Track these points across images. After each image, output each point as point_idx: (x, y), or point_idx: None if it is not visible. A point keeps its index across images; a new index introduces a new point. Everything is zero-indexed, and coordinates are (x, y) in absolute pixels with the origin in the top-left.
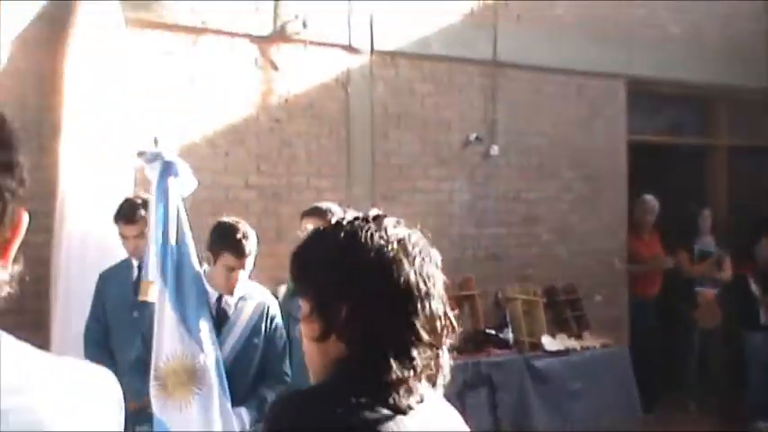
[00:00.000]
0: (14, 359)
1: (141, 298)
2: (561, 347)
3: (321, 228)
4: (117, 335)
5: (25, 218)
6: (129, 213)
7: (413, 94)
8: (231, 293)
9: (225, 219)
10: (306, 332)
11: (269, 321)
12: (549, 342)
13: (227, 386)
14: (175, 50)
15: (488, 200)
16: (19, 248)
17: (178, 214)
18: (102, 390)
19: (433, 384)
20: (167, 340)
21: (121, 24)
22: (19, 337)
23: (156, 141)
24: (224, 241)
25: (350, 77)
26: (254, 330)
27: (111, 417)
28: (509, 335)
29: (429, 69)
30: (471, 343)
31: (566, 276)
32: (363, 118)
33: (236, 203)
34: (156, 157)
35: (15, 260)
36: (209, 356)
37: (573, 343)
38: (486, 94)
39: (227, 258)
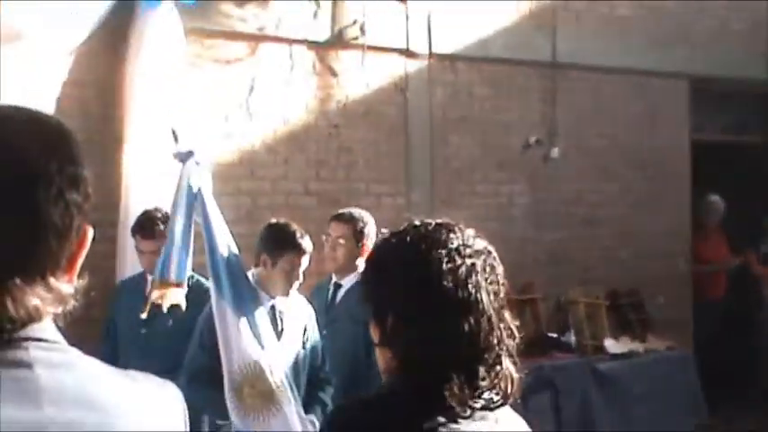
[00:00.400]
0: (84, 374)
1: (156, 300)
2: (624, 350)
3: (388, 233)
4: (125, 350)
5: (90, 232)
6: (146, 227)
7: (472, 98)
8: (288, 294)
9: (275, 221)
10: (372, 335)
11: (313, 328)
12: (612, 345)
13: (296, 394)
14: (234, 58)
15: (549, 203)
16: (84, 259)
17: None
18: (168, 403)
19: (498, 392)
20: (236, 350)
21: (180, 34)
22: (86, 349)
23: (174, 134)
24: (284, 242)
25: (408, 82)
26: (304, 337)
27: (179, 425)
28: (571, 338)
29: (488, 72)
30: (533, 347)
31: (628, 279)
32: (422, 122)
33: (295, 210)
34: (187, 154)
35: (80, 273)
36: (279, 365)
37: (636, 346)
38: (546, 96)
39: (289, 258)
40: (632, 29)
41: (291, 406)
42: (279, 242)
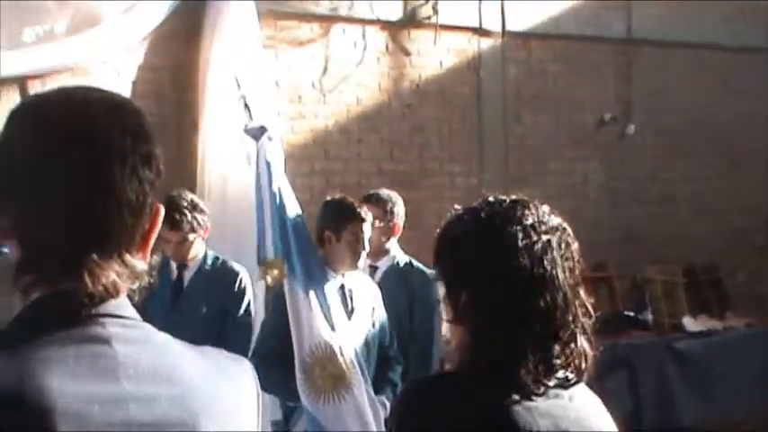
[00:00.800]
0: (159, 349)
1: (265, 279)
2: (703, 328)
3: (461, 210)
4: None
5: (162, 210)
6: (173, 217)
7: (545, 75)
8: (357, 266)
9: (329, 198)
10: (445, 312)
11: (379, 307)
12: (690, 323)
13: (367, 375)
14: (307, 40)
15: (624, 180)
16: (160, 240)
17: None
18: (241, 377)
19: (573, 370)
20: (307, 331)
21: (254, 16)
22: None
23: (246, 106)
24: (344, 213)
25: (481, 60)
26: (373, 316)
27: (252, 403)
28: (648, 317)
29: (561, 49)
30: (609, 326)
31: (705, 256)
32: (495, 101)
33: (369, 190)
34: (260, 130)
35: (154, 251)
36: (349, 346)
37: (715, 324)
38: (621, 72)
39: (352, 228)
40: (707, 3)
41: (362, 387)
42: (339, 215)
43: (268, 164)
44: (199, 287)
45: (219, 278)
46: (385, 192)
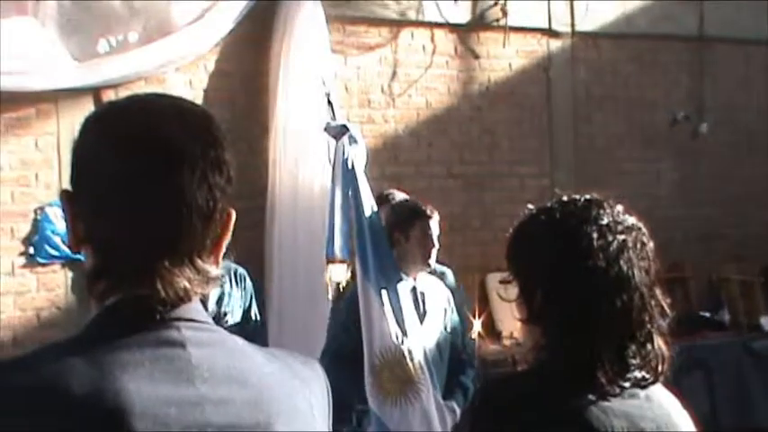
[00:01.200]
0: (232, 352)
1: (330, 279)
2: None
3: (535, 209)
4: None
5: (233, 215)
6: None
7: (616, 75)
8: (428, 264)
9: (395, 201)
10: (518, 312)
11: (452, 311)
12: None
13: (436, 379)
14: (375, 44)
15: (698, 179)
16: (233, 244)
17: (363, 188)
18: (312, 379)
19: (649, 370)
20: (378, 333)
21: (323, 21)
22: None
23: (330, 103)
24: (411, 212)
25: (551, 61)
26: (445, 320)
27: (322, 406)
28: (725, 317)
29: (632, 48)
30: (684, 326)
31: None
32: (565, 102)
33: (439, 193)
34: (341, 129)
35: (227, 256)
36: (419, 351)
37: None
38: (693, 70)
39: (420, 226)
40: None
41: (430, 393)
42: (406, 214)
43: (345, 162)
44: None
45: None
46: (398, 193)
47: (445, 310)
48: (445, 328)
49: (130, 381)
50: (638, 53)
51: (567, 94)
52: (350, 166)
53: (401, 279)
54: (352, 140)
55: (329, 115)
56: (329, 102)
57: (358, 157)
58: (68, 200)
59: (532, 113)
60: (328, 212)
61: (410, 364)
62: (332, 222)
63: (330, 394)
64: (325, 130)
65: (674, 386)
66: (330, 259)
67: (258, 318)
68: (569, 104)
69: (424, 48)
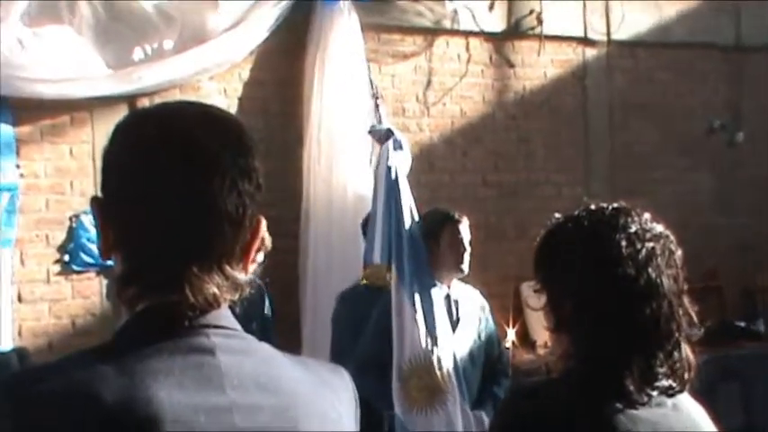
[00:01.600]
0: (261, 359)
1: (370, 281)
2: None
3: (563, 218)
4: None
5: (263, 223)
6: None
7: (652, 84)
8: (462, 269)
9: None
10: (546, 321)
11: (486, 320)
12: None
13: (465, 388)
14: (410, 52)
15: (735, 188)
16: (267, 254)
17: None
18: (340, 387)
19: (676, 379)
20: (409, 341)
21: (358, 30)
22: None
23: (377, 106)
24: (439, 218)
25: (587, 70)
26: (479, 328)
27: (350, 414)
28: (761, 327)
29: (668, 57)
30: (719, 336)
31: None
32: (601, 110)
33: (474, 202)
34: (385, 134)
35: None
36: (449, 359)
37: None
38: (730, 79)
39: (450, 230)
40: None
41: (457, 402)
42: (435, 221)
43: (388, 168)
44: None
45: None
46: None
47: (480, 319)
48: (479, 337)
49: (161, 389)
50: (674, 62)
51: (602, 103)
52: (393, 172)
53: (434, 285)
54: (397, 145)
55: (376, 118)
56: (377, 105)
57: (402, 162)
58: (98, 207)
59: (568, 122)
60: (371, 217)
61: (438, 373)
62: (373, 228)
63: (358, 402)
64: (370, 132)
65: (709, 396)
66: (368, 265)
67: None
68: (605, 113)
69: (458, 56)
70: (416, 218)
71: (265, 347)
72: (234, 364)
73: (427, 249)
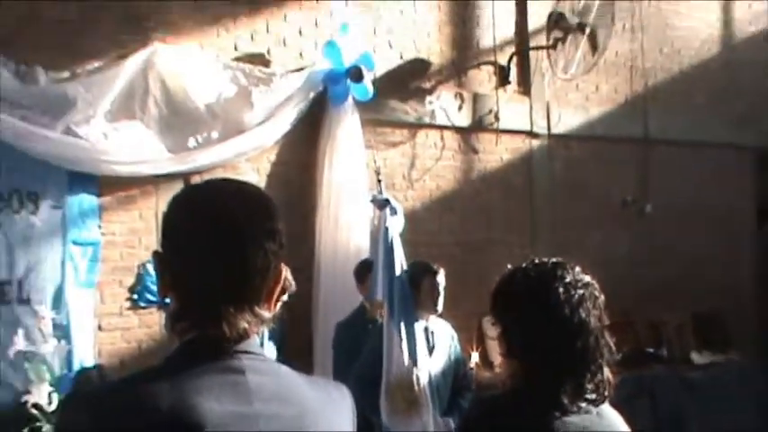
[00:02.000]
0: (281, 378)
1: (374, 316)
2: (707, 361)
3: (513, 269)
4: None
5: (284, 272)
6: (360, 274)
7: (582, 167)
8: (437, 309)
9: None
10: (499, 348)
11: (455, 346)
12: (697, 357)
13: (437, 400)
14: (398, 141)
15: (644, 248)
16: (287, 300)
17: (397, 249)
18: (342, 401)
19: (599, 394)
20: (395, 363)
21: (358, 124)
22: (287, 362)
23: (378, 178)
24: (421, 269)
25: (533, 157)
26: (449, 353)
27: (350, 420)
28: (665, 352)
29: (595, 147)
30: (632, 360)
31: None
32: (543, 188)
33: (448, 256)
34: (384, 202)
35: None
36: (426, 377)
37: (718, 358)
38: (640, 164)
39: (428, 280)
40: (707, 111)
41: (430, 412)
42: (418, 271)
43: (386, 229)
44: None
45: None
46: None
47: (450, 346)
48: (449, 359)
49: (204, 401)
50: (599, 151)
51: (544, 182)
52: (390, 232)
53: (416, 320)
54: (393, 211)
55: (377, 190)
56: (379, 180)
57: (395, 225)
58: (159, 259)
59: (519, 196)
60: (373, 265)
61: (417, 388)
62: (376, 274)
63: (355, 412)
64: (372, 201)
65: (625, 408)
66: (373, 300)
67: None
68: (546, 190)
69: (435, 144)
70: (404, 267)
71: (284, 368)
72: (260, 382)
73: (411, 293)
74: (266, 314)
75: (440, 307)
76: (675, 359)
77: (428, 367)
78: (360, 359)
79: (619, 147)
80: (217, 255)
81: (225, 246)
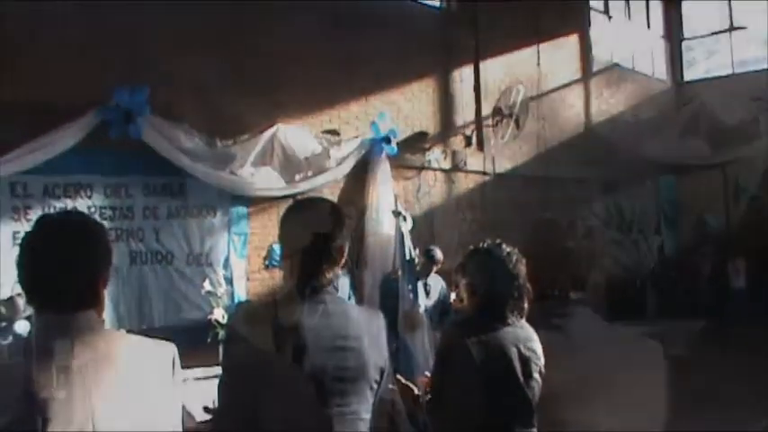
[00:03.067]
0: (346, 306)
1: (396, 277)
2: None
3: (472, 249)
4: None
5: (345, 249)
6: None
7: (515, 192)
8: (432, 274)
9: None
10: (464, 297)
11: (443, 289)
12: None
13: (427, 321)
14: (410, 176)
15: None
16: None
17: (407, 240)
18: (378, 320)
19: (521, 313)
20: (408, 304)
21: (388, 167)
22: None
23: (396, 201)
24: (426, 252)
25: (485, 186)
26: (439, 293)
27: (383, 334)
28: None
29: (520, 182)
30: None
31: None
32: (490, 202)
33: (436, 242)
34: (399, 214)
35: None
36: (424, 310)
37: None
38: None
39: (430, 257)
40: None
41: (424, 329)
42: (425, 255)
43: (401, 230)
44: None
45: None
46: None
47: (439, 291)
48: (439, 298)
49: (304, 318)
50: (523, 184)
51: (490, 200)
52: (403, 230)
53: (419, 279)
54: (404, 220)
55: (397, 211)
56: (395, 199)
57: (407, 227)
58: (281, 245)
59: (476, 209)
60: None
61: (418, 317)
62: (402, 256)
63: (385, 329)
64: (393, 212)
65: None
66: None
67: None
68: (491, 203)
69: (431, 179)
70: (412, 251)
71: (347, 302)
72: (333, 307)
73: (420, 266)
74: (338, 272)
75: (434, 273)
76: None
77: (424, 304)
78: (386, 301)
79: (533, 182)
80: (312, 244)
81: (320, 243)
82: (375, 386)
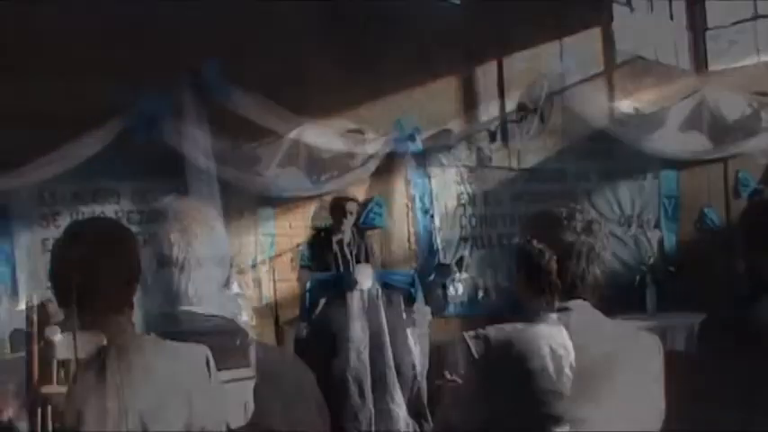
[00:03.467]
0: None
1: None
2: None
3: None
4: None
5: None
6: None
7: (539, 187)
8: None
9: None
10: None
11: None
12: None
13: None
14: (437, 174)
15: None
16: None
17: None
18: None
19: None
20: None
21: (414, 164)
22: None
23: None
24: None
25: (512, 181)
26: None
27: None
28: None
29: (544, 176)
30: None
31: None
32: (511, 195)
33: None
34: (429, 212)
35: None
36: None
37: None
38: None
39: None
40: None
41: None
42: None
43: (429, 232)
44: None
45: None
46: None
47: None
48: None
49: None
50: (547, 178)
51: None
52: (430, 230)
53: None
54: (431, 217)
55: (425, 208)
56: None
57: (434, 224)
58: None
59: (500, 200)
60: None
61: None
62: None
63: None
64: (420, 210)
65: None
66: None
67: None
68: (514, 196)
69: (457, 174)
70: (440, 249)
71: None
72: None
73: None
74: None
75: None
76: None
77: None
78: None
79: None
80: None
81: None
82: None
